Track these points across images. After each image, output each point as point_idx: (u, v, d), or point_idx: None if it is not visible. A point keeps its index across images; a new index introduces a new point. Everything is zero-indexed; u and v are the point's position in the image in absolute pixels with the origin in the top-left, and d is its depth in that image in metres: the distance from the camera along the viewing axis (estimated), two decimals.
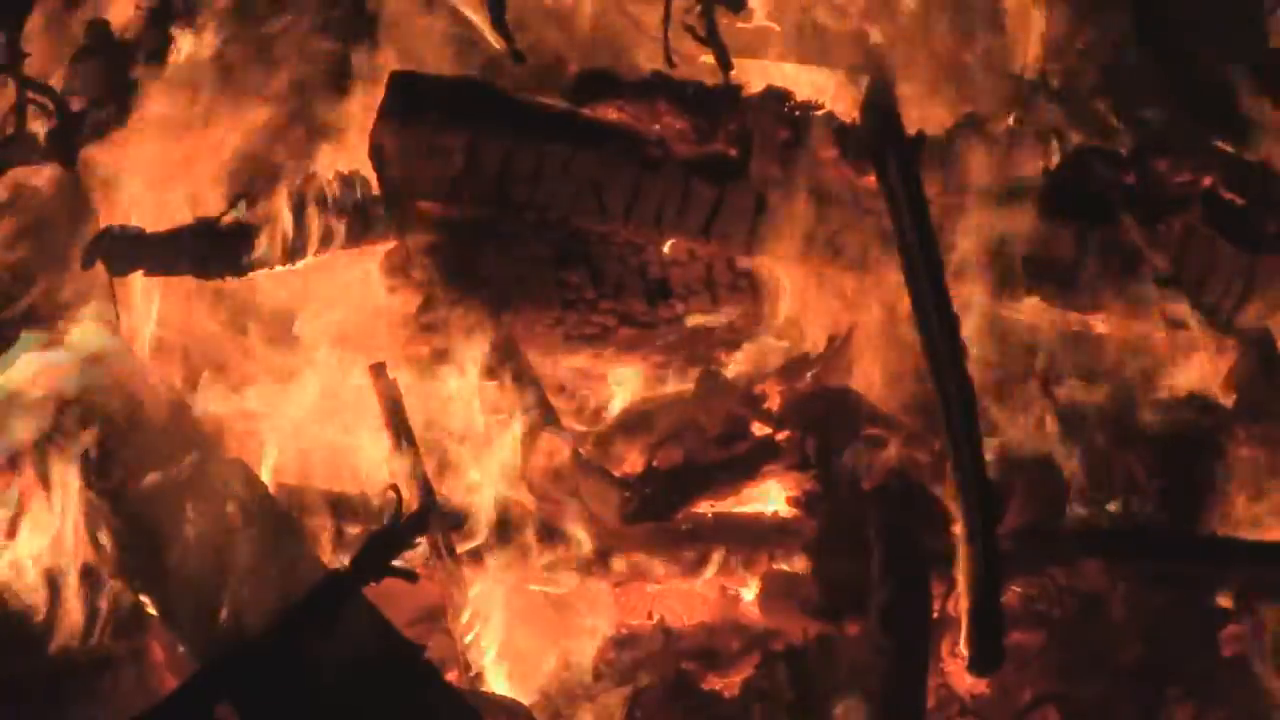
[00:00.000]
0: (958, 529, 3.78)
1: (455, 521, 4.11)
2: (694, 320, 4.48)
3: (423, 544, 3.94)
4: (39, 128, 4.43)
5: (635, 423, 4.40)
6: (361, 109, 4.44)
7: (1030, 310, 4.42)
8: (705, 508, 4.22)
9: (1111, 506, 4.20)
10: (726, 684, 4.03)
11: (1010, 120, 4.67)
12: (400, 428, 4.12)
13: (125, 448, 3.88)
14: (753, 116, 4.36)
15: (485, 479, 4.21)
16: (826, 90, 4.76)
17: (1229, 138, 4.73)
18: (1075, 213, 4.41)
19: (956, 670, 3.93)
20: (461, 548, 4.09)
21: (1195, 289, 4.41)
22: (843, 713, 3.79)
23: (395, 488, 3.85)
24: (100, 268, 4.12)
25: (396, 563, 3.56)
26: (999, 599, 3.75)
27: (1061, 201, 4.41)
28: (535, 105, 4.34)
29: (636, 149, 4.31)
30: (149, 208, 4.40)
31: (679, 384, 4.48)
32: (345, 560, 3.67)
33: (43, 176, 4.46)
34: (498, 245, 4.33)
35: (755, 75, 4.64)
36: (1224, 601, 4.07)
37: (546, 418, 4.25)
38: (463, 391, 4.33)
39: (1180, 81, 4.87)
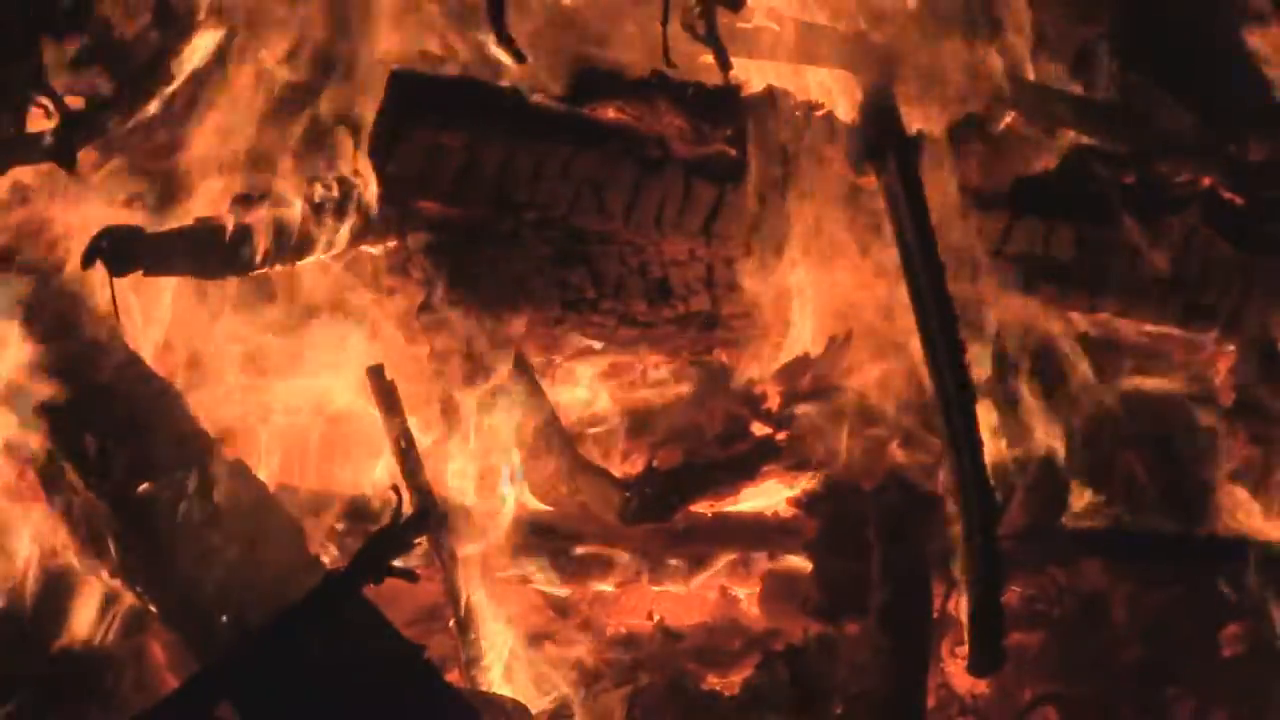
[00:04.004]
0: (958, 529, 3.78)
1: (454, 522, 4.11)
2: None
3: (423, 544, 3.94)
4: (39, 128, 4.43)
5: (635, 423, 4.40)
6: (362, 108, 4.43)
7: (1030, 310, 4.41)
8: (705, 508, 4.22)
9: (1111, 506, 4.20)
10: (726, 684, 4.03)
11: (1010, 120, 4.67)
12: (399, 429, 4.11)
13: (125, 448, 3.88)
14: (753, 116, 4.36)
15: (485, 479, 4.21)
16: (826, 90, 4.76)
17: (1229, 138, 4.72)
18: (1075, 213, 4.41)
19: (956, 670, 3.93)
20: (461, 548, 4.10)
21: (1195, 289, 4.41)
22: (843, 713, 3.80)
23: (395, 488, 3.85)
24: (100, 268, 4.11)
25: (396, 563, 3.55)
26: (999, 599, 3.75)
27: (1061, 201, 4.41)
28: (535, 105, 4.34)
29: (636, 149, 4.31)
30: (149, 208, 4.40)
31: (679, 384, 4.48)
32: (345, 560, 3.67)
33: (43, 176, 4.45)
34: (498, 245, 4.33)
35: (755, 75, 4.64)
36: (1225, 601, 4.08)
37: (546, 418, 4.25)
38: (461, 391, 4.33)
39: (1182, 81, 4.87)
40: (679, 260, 4.46)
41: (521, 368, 4.28)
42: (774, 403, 4.31)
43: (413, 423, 4.17)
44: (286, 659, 3.43)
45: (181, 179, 4.44)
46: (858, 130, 4.33)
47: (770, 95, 4.44)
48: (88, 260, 4.10)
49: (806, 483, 4.20)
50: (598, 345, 4.44)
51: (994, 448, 4.07)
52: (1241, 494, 4.27)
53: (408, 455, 4.09)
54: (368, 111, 4.38)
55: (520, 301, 4.34)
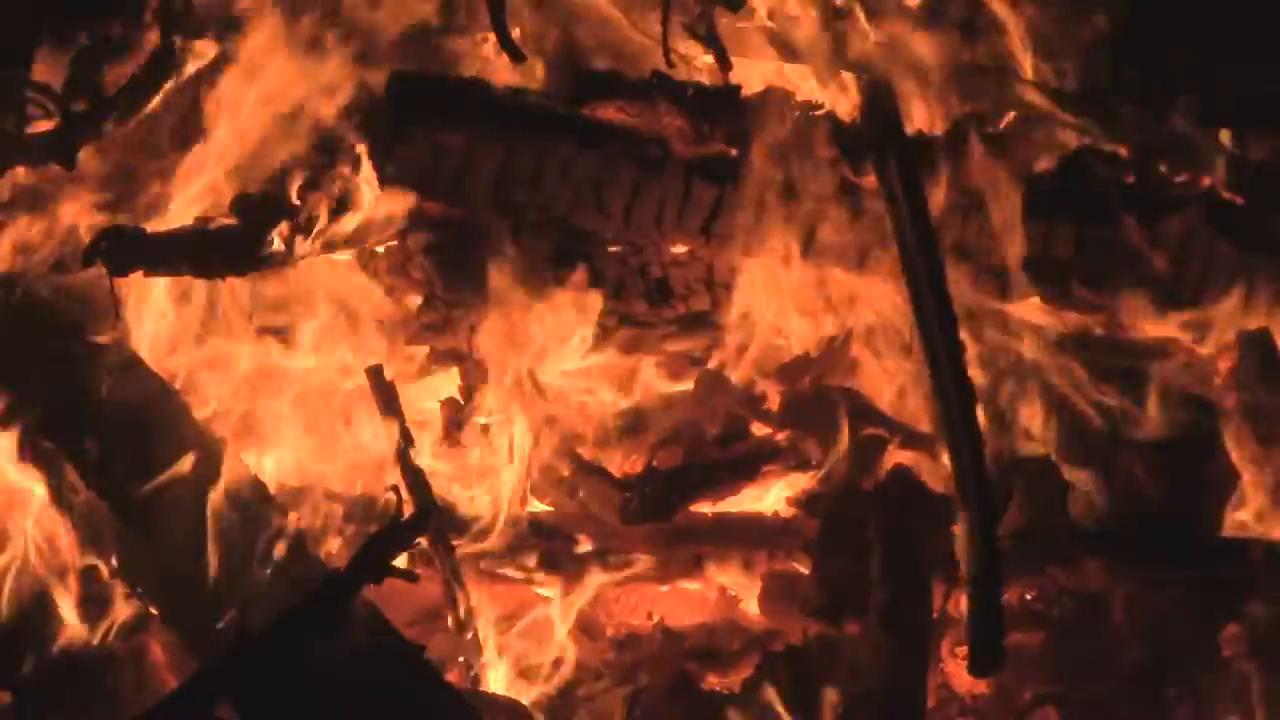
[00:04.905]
0: (958, 529, 3.78)
1: (454, 522, 4.11)
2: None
3: (423, 544, 3.94)
4: (39, 128, 4.42)
5: (635, 423, 4.40)
6: (363, 109, 4.43)
7: (1030, 310, 4.41)
8: (705, 508, 4.22)
9: (1111, 507, 4.20)
10: (726, 684, 4.03)
11: (1010, 120, 4.67)
12: (398, 429, 4.11)
13: (125, 448, 3.88)
14: (753, 116, 4.36)
15: (484, 479, 4.21)
16: (826, 90, 4.76)
17: (1229, 138, 4.72)
18: (1075, 213, 4.41)
19: (956, 670, 3.93)
20: (461, 548, 4.09)
21: (1195, 289, 4.41)
22: (843, 713, 3.80)
23: (395, 488, 3.85)
24: (100, 268, 4.11)
25: (396, 563, 3.55)
26: (999, 599, 3.75)
27: (1061, 201, 4.41)
28: (535, 105, 4.33)
29: (636, 149, 4.31)
30: (150, 208, 4.40)
31: (679, 384, 4.48)
32: (345, 560, 3.67)
33: (43, 177, 4.45)
34: (497, 245, 4.33)
35: (755, 75, 4.64)
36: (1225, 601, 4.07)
37: (546, 417, 4.25)
38: (461, 391, 4.33)
39: (1183, 81, 4.87)
40: (679, 260, 4.46)
41: (520, 367, 4.28)
42: (774, 403, 4.31)
43: (412, 423, 4.18)
44: (286, 659, 3.43)
45: (182, 179, 4.44)
46: (857, 130, 4.33)
47: (770, 95, 4.44)
48: (88, 260, 4.09)
49: (806, 483, 4.20)
50: (597, 345, 4.44)
51: (994, 448, 4.07)
52: (1242, 494, 4.27)
53: (407, 455, 4.09)
54: (368, 112, 4.38)
55: (519, 302, 4.33)
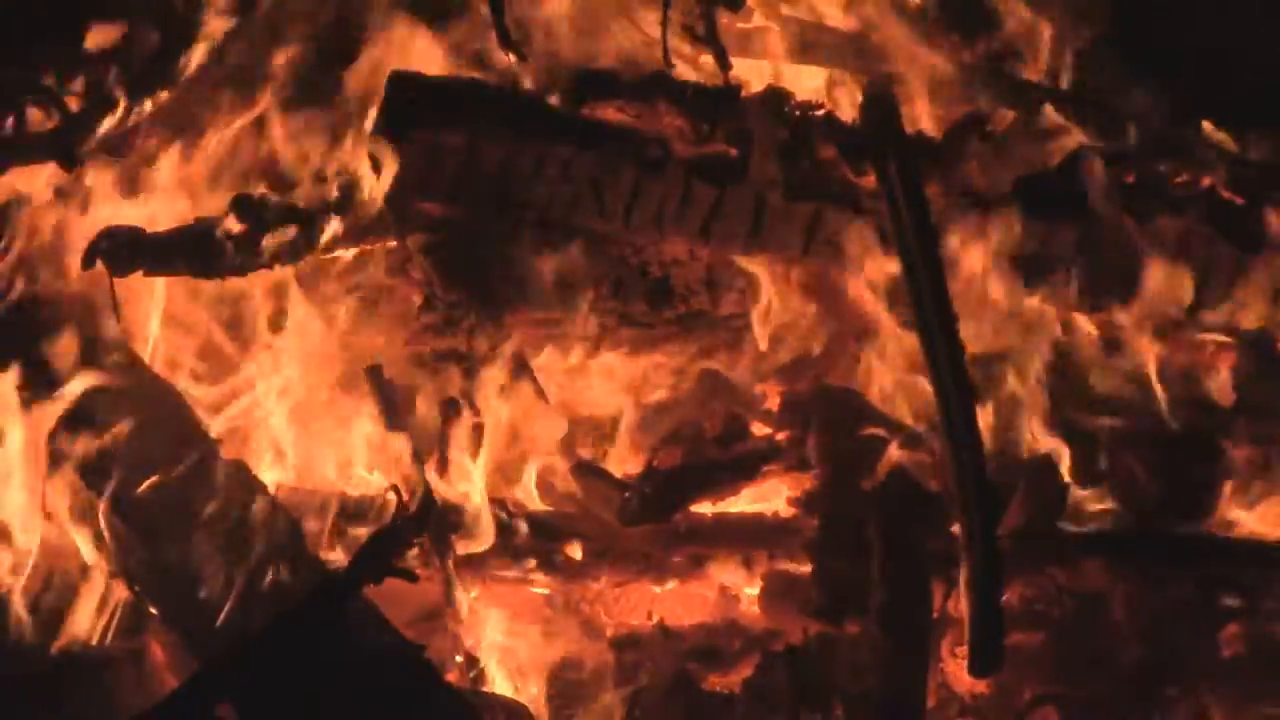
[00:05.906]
0: (958, 529, 3.78)
1: (454, 522, 4.11)
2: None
3: (423, 544, 3.94)
4: (39, 128, 4.43)
5: (635, 423, 4.40)
6: (362, 108, 4.43)
7: (1030, 310, 4.41)
8: (705, 508, 4.22)
9: (1111, 507, 4.20)
10: (726, 684, 4.03)
11: (1010, 120, 4.67)
12: (398, 429, 4.12)
13: (125, 448, 3.88)
14: (753, 116, 4.36)
15: (484, 479, 4.21)
16: (826, 90, 4.76)
17: (1229, 138, 4.73)
18: (1075, 213, 4.41)
19: (956, 670, 3.93)
20: (461, 548, 4.09)
21: (1194, 289, 4.41)
22: (843, 713, 3.80)
23: (395, 488, 3.85)
24: (100, 267, 4.11)
25: (396, 563, 3.56)
26: (999, 599, 3.75)
27: (1061, 201, 4.41)
28: (535, 105, 4.34)
29: (636, 149, 4.31)
30: (149, 208, 4.40)
31: (679, 384, 4.48)
32: (345, 560, 3.67)
33: (43, 177, 4.45)
34: (497, 245, 4.33)
35: (755, 75, 4.64)
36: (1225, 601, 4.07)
37: (546, 418, 4.25)
38: (461, 391, 4.33)
39: (1180, 80, 4.87)
40: (679, 260, 4.46)
41: (521, 367, 4.28)
42: (774, 403, 4.31)
43: (412, 423, 4.18)
44: (286, 659, 3.43)
45: (182, 179, 4.44)
46: (857, 130, 4.33)
47: (770, 95, 4.44)
48: (88, 260, 4.10)
49: (806, 483, 4.20)
50: (597, 345, 4.44)
51: (994, 448, 4.07)
52: (1242, 494, 4.27)
53: (406, 455, 4.09)
54: (368, 112, 4.38)
55: (520, 302, 4.34)
